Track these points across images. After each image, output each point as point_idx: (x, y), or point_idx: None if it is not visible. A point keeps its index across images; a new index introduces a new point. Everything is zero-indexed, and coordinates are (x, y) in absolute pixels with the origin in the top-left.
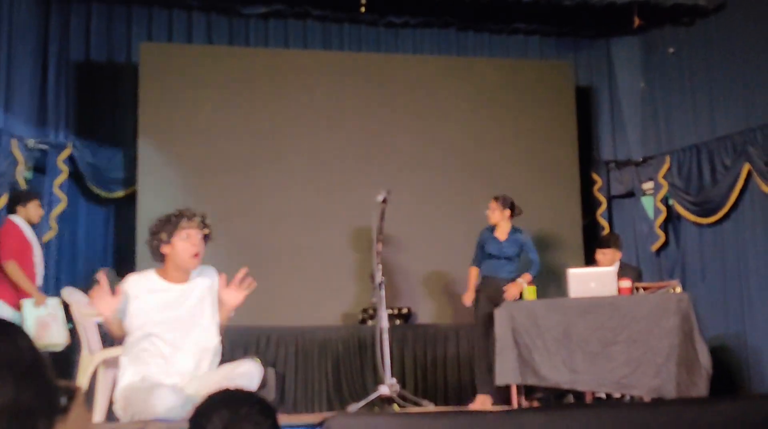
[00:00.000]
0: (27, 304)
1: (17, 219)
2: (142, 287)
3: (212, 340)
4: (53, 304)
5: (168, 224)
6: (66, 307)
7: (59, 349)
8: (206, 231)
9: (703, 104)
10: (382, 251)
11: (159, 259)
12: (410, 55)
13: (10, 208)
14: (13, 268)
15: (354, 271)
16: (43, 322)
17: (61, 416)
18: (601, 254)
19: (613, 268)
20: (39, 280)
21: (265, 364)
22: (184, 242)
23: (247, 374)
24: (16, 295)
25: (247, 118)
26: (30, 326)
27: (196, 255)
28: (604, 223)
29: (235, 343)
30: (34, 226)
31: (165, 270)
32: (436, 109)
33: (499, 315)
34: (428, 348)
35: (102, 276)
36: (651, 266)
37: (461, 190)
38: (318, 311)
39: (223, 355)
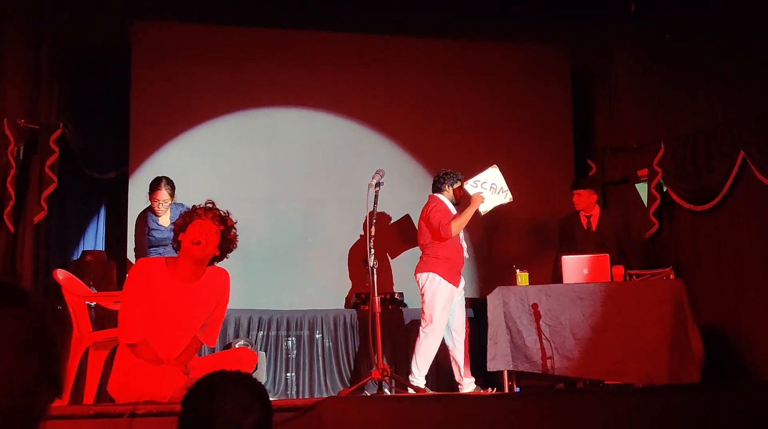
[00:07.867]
0: None
1: (442, 197)
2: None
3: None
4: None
5: (189, 213)
6: (57, 288)
7: None
8: (221, 227)
9: (700, 91)
10: (375, 235)
11: (176, 247)
12: (406, 37)
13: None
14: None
15: (348, 254)
16: None
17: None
18: (576, 196)
19: (602, 255)
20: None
21: (256, 347)
22: (193, 229)
23: (242, 361)
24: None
25: (242, 98)
26: None
27: (199, 243)
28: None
29: (227, 326)
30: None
31: (175, 261)
32: (431, 92)
33: (492, 300)
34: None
35: None
36: (644, 253)
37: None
38: (312, 295)
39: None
